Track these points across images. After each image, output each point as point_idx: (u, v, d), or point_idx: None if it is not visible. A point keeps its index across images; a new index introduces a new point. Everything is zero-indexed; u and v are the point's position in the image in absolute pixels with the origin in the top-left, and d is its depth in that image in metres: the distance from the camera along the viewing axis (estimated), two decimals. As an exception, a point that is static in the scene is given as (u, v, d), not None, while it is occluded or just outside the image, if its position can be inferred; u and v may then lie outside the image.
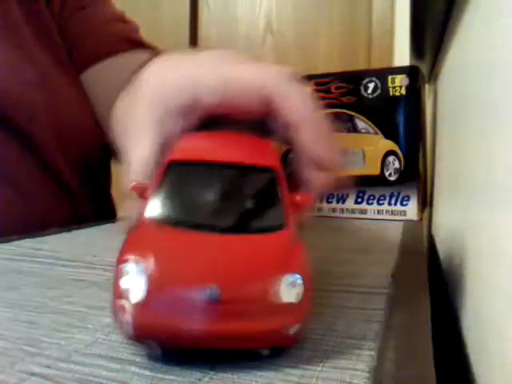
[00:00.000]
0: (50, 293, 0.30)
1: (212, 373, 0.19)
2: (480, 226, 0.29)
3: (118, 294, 0.19)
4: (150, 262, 0.19)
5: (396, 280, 0.32)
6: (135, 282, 0.18)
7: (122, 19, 0.65)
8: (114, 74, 0.49)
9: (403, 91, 0.61)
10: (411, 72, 0.61)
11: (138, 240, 0.21)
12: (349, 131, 0.63)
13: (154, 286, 0.18)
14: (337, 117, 0.63)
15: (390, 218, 0.60)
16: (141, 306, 0.18)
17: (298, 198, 0.22)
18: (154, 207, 0.22)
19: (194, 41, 1.56)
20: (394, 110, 0.61)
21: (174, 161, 0.23)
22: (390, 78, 0.61)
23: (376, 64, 1.35)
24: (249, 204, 0.21)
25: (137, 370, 0.20)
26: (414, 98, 0.61)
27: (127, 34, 0.62)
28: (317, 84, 0.64)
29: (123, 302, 0.19)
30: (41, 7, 0.55)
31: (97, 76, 0.57)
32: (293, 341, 0.20)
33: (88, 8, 0.60)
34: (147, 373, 0.20)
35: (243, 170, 0.22)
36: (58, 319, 0.25)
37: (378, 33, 1.38)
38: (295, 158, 0.28)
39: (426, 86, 0.74)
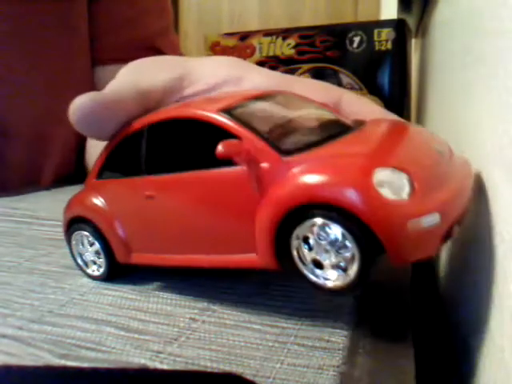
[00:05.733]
0: (26, 253, 0.29)
1: (188, 332, 0.19)
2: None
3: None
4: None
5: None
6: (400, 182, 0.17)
7: (151, 15, 0.63)
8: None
9: (389, 45, 0.59)
10: (398, 26, 0.59)
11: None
12: (333, 87, 0.61)
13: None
14: (321, 71, 0.62)
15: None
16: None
17: None
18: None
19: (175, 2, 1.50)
20: (379, 65, 0.60)
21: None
22: (376, 31, 0.59)
23: (363, 17, 1.32)
24: None
25: (112, 330, 0.19)
26: (400, 52, 0.59)
27: (148, 40, 0.61)
28: (301, 37, 0.62)
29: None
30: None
31: (104, 76, 0.57)
32: None
33: None
34: (122, 333, 0.19)
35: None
36: (32, 280, 0.25)
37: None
38: None
39: (413, 41, 0.73)
